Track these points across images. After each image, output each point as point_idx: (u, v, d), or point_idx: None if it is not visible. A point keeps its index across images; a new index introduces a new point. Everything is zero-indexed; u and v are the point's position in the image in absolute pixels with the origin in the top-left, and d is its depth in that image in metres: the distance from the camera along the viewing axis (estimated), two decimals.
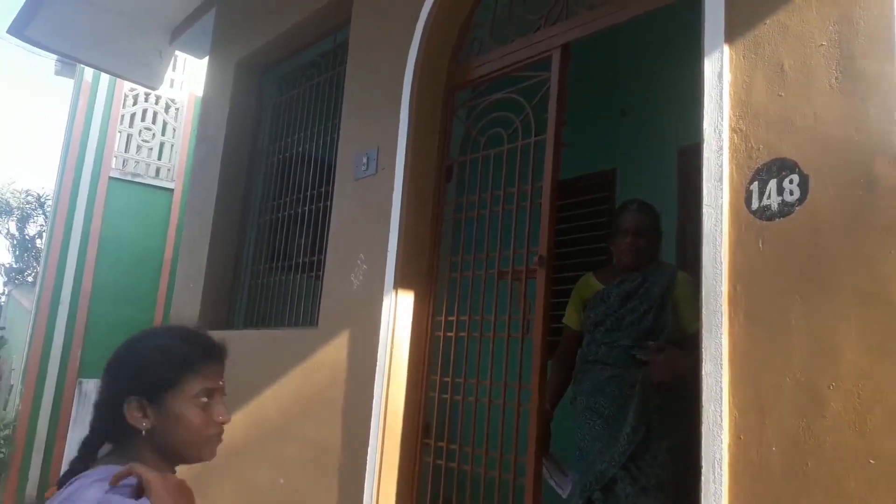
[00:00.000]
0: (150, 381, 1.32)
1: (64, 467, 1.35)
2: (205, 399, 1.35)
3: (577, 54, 3.01)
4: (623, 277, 2.87)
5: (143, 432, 1.30)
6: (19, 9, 4.89)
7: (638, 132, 4.51)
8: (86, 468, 1.29)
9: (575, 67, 2.87)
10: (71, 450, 5.94)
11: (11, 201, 11.43)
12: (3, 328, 9.32)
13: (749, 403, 1.81)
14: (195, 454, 1.36)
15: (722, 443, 1.83)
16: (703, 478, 1.85)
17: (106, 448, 1.35)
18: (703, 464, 1.85)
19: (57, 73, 9.71)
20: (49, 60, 10.10)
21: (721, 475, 1.82)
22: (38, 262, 9.82)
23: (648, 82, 4.46)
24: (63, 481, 1.29)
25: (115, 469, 1.22)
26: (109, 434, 1.34)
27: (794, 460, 1.70)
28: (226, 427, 1.39)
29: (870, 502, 1.56)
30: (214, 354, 1.40)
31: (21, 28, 5.08)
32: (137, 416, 1.30)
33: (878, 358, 1.60)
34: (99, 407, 1.35)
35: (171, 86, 8.02)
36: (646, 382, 2.65)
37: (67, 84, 8.49)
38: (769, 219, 1.85)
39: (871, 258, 1.64)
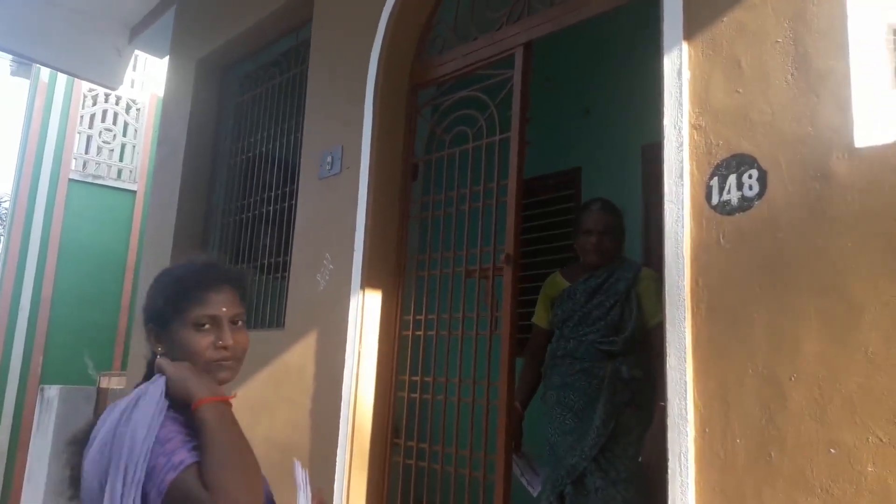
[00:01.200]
0: (158, 309, 1.45)
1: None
2: (206, 325, 1.43)
3: (541, 53, 3.03)
4: (589, 274, 2.88)
5: (159, 354, 1.44)
6: None
7: (602, 131, 4.55)
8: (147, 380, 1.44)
9: (539, 67, 2.89)
10: (34, 457, 5.81)
11: None
12: None
13: (713, 396, 1.83)
14: (206, 374, 1.43)
15: (687, 435, 1.86)
16: (669, 470, 1.87)
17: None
18: (670, 456, 1.88)
19: (13, 73, 9.46)
20: (3, 60, 9.85)
21: (687, 467, 1.84)
22: None
23: (612, 81, 4.50)
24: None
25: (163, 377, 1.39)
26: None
27: (758, 451, 1.73)
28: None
29: (831, 490, 1.60)
30: (219, 284, 1.47)
31: None
32: (153, 342, 1.46)
33: (836, 349, 1.63)
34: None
35: (132, 86, 7.88)
36: (614, 376, 2.67)
37: (24, 85, 8.26)
38: (729, 213, 1.88)
39: (827, 251, 1.67)
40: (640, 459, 2.55)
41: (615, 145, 4.48)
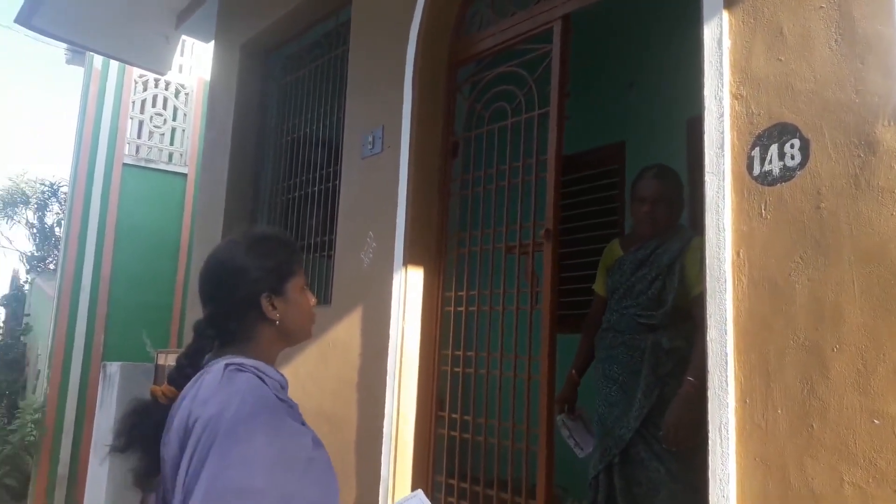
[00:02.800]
0: (278, 274, 1.51)
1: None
2: (306, 286, 1.57)
3: (583, 27, 3.00)
4: (639, 245, 2.86)
5: (277, 322, 1.48)
6: None
7: (646, 104, 4.48)
8: (196, 370, 1.44)
9: (582, 40, 2.86)
10: (98, 431, 6.08)
11: (27, 191, 11.61)
12: (27, 315, 9.49)
13: (753, 367, 1.83)
14: (304, 335, 1.57)
15: (728, 407, 1.86)
16: (710, 441, 1.88)
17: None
18: (710, 428, 1.88)
19: (68, 61, 9.76)
20: (60, 49, 10.16)
21: (728, 438, 1.85)
22: (58, 250, 9.96)
23: (656, 53, 4.42)
24: (177, 382, 1.44)
25: (239, 357, 1.42)
26: (225, 335, 1.50)
27: (800, 422, 1.72)
28: None
29: (875, 462, 1.58)
30: (299, 249, 1.64)
31: (28, 17, 5.12)
32: (271, 309, 1.48)
33: (879, 318, 1.61)
34: (213, 318, 1.50)
35: (180, 71, 8.05)
36: (655, 348, 2.66)
37: (79, 72, 8.52)
38: (771, 184, 1.86)
39: (870, 220, 1.64)
40: (661, 433, 2.55)
41: (660, 119, 4.41)
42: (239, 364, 1.40)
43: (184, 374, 1.46)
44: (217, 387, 1.34)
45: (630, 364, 2.72)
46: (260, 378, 1.42)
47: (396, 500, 1.80)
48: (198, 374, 1.42)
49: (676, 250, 2.74)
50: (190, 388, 1.39)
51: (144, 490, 1.49)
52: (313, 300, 1.59)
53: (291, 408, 1.47)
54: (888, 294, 1.60)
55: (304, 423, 1.46)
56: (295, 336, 1.56)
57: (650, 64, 4.49)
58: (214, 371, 1.38)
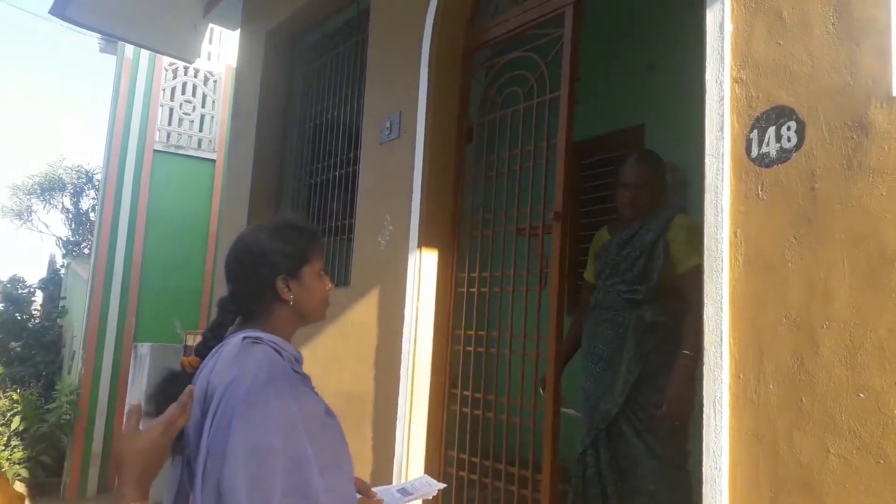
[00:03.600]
0: (295, 260, 1.62)
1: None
2: (323, 272, 1.68)
3: (601, 9, 3.03)
4: (625, 227, 2.93)
5: (291, 303, 1.59)
6: None
7: (666, 86, 4.49)
8: (219, 342, 1.56)
9: (600, 23, 2.89)
10: None
11: (64, 177, 11.93)
12: (63, 298, 9.78)
13: (748, 343, 1.88)
14: (317, 317, 1.68)
15: (723, 382, 1.92)
16: (704, 415, 1.94)
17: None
18: (705, 402, 1.94)
19: (102, 50, 9.98)
20: (93, 38, 10.39)
21: (722, 412, 1.91)
22: (92, 235, 10.23)
23: (675, 35, 4.42)
24: (202, 353, 1.57)
25: (256, 331, 1.53)
26: (246, 312, 1.63)
27: (790, 396, 1.77)
28: None
29: (859, 433, 1.64)
30: (320, 236, 1.73)
31: (62, 8, 5.28)
32: (286, 291, 1.59)
33: (867, 296, 1.65)
34: (235, 294, 1.63)
35: (209, 58, 8.20)
36: (639, 323, 2.71)
37: (112, 61, 8.73)
38: (768, 165, 1.90)
39: (862, 201, 1.68)
40: (662, 408, 2.59)
41: (679, 101, 4.42)
42: (256, 337, 1.51)
43: (208, 346, 1.58)
44: (235, 357, 1.45)
45: (615, 340, 2.77)
46: (276, 350, 1.53)
47: (403, 481, 1.91)
48: (220, 345, 1.54)
49: (659, 228, 2.79)
50: (210, 358, 1.50)
51: (172, 453, 1.61)
52: (329, 285, 1.70)
53: (305, 379, 1.58)
54: (876, 273, 1.64)
55: (315, 394, 1.57)
56: (308, 317, 1.67)
57: (669, 46, 4.49)
58: (233, 343, 1.49)
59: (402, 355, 3.10)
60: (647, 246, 2.78)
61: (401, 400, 3.07)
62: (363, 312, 3.42)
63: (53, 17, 5.48)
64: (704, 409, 1.94)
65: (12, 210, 12.87)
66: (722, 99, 2.02)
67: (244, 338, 1.50)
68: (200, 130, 8.10)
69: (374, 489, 1.70)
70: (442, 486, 1.81)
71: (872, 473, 1.59)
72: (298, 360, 1.61)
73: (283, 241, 1.63)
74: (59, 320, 9.45)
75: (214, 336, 1.61)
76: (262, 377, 1.44)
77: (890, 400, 1.58)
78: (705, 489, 1.88)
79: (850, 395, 1.65)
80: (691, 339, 2.51)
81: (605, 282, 2.89)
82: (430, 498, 1.82)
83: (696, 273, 2.49)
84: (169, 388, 1.58)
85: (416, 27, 3.32)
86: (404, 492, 1.71)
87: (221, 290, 4.99)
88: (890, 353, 1.59)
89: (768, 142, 1.91)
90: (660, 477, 2.56)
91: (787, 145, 1.87)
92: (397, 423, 3.06)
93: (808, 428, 1.72)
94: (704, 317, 1.97)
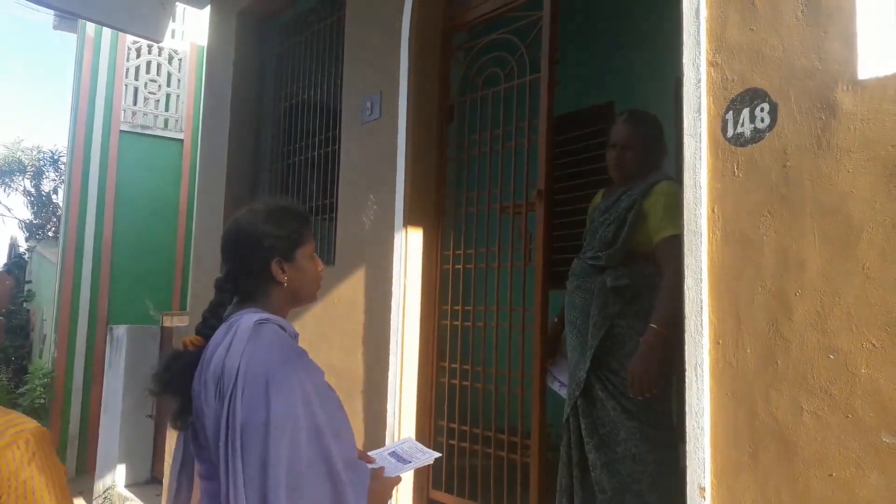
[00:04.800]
0: (288, 243, 1.70)
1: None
2: (315, 253, 1.76)
3: None
4: (610, 192, 2.86)
5: (285, 284, 1.68)
6: None
7: (635, 64, 4.61)
8: (220, 322, 1.65)
9: (572, 2, 2.98)
10: (108, 391, 6.31)
11: (24, 159, 11.67)
12: (29, 282, 9.64)
13: (726, 312, 2.02)
14: (310, 297, 1.78)
15: (703, 348, 2.05)
16: (686, 379, 2.08)
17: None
18: (687, 367, 2.08)
19: (55, 27, 9.72)
20: (46, 15, 10.11)
21: (703, 376, 2.05)
22: (56, 217, 10.07)
23: (644, 14, 4.54)
24: (205, 333, 1.65)
25: (259, 312, 1.62)
26: (242, 292, 1.71)
27: (766, 359, 1.92)
28: None
29: (829, 391, 1.79)
30: (311, 219, 1.81)
31: None
32: (280, 273, 1.67)
33: (836, 265, 1.79)
34: (231, 276, 1.72)
35: (173, 36, 8.09)
36: (601, 289, 2.66)
37: (67, 38, 8.54)
38: (742, 145, 2.03)
39: (830, 177, 1.82)
40: (615, 376, 2.59)
41: (648, 78, 4.55)
42: (264, 318, 1.60)
43: (208, 324, 1.67)
44: (247, 337, 1.54)
45: (583, 307, 2.71)
46: (282, 328, 1.62)
47: (387, 445, 2.01)
48: (226, 326, 1.62)
49: (637, 194, 2.69)
50: (222, 338, 1.58)
51: (178, 429, 1.69)
52: (321, 266, 1.79)
53: (305, 352, 1.68)
54: (844, 243, 1.78)
55: (317, 366, 1.67)
56: (302, 298, 1.77)
57: (637, 25, 4.61)
58: (244, 325, 1.57)
59: (391, 331, 3.20)
60: (623, 212, 2.69)
61: (391, 374, 3.18)
62: (349, 290, 3.51)
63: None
64: (686, 373, 2.07)
65: None
66: (699, 82, 2.14)
67: (256, 320, 1.59)
68: (166, 110, 8.02)
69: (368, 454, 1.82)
70: (437, 454, 1.87)
71: (842, 427, 1.74)
72: (295, 337, 1.71)
73: (276, 224, 1.70)
74: (25, 304, 9.34)
75: (214, 315, 1.69)
76: (277, 356, 1.54)
77: (858, 360, 1.73)
78: (689, 447, 2.03)
79: (821, 356, 1.80)
80: (662, 310, 2.51)
81: (584, 249, 2.83)
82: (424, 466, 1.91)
83: (671, 243, 2.51)
84: (173, 365, 1.66)
85: (395, 8, 3.36)
86: (396, 456, 1.81)
87: (195, 270, 4.98)
88: (857, 318, 1.74)
89: (743, 122, 2.04)
90: (640, 438, 2.56)
91: (760, 126, 1.99)
92: (388, 395, 3.16)
93: (783, 388, 1.87)
94: (685, 287, 2.11)
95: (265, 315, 1.61)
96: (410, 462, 1.80)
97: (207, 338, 1.62)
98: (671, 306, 2.45)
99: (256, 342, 1.54)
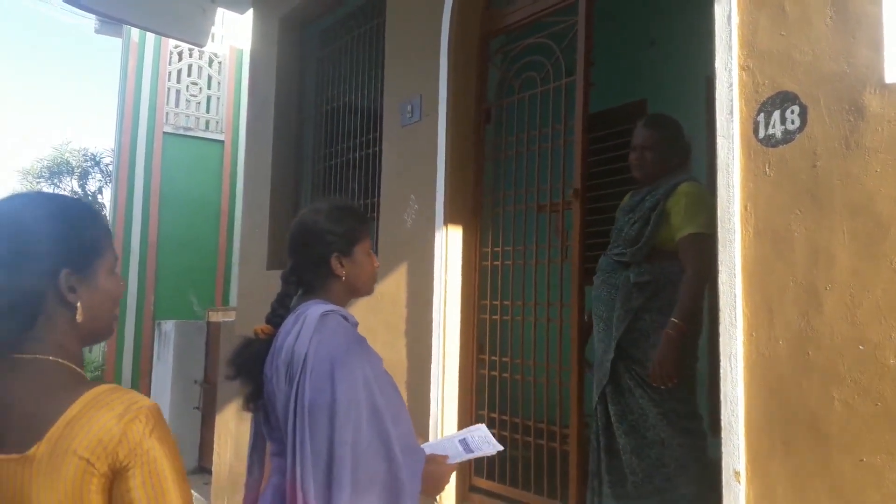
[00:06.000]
0: (347, 240, 1.85)
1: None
2: (371, 250, 1.90)
3: None
4: (635, 192, 3.00)
5: (343, 278, 1.82)
6: None
7: (667, 62, 4.68)
8: (287, 312, 1.80)
9: (604, 1, 3.07)
10: (157, 383, 6.57)
11: (71, 161, 12.08)
12: None
13: (759, 305, 2.12)
14: (366, 290, 1.92)
15: (737, 340, 2.15)
16: (721, 370, 2.18)
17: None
18: (722, 358, 2.18)
19: (97, 31, 10.03)
20: (87, 20, 10.43)
21: (737, 367, 2.14)
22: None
23: (676, 12, 4.60)
24: (273, 321, 1.80)
25: (324, 303, 1.77)
26: (306, 284, 1.85)
27: (797, 350, 2.01)
28: None
29: (860, 381, 1.88)
30: (369, 218, 1.97)
31: None
32: (339, 267, 1.82)
33: (865, 261, 1.88)
34: (296, 269, 1.86)
35: (213, 40, 8.31)
36: (624, 284, 2.80)
37: (108, 42, 8.83)
38: (774, 146, 2.12)
39: (858, 177, 1.90)
40: (639, 367, 2.72)
41: (680, 76, 4.61)
42: (329, 309, 1.74)
43: (277, 314, 1.83)
44: (314, 327, 1.69)
45: (609, 301, 2.85)
46: (345, 318, 1.77)
47: (460, 430, 2.10)
48: (294, 316, 1.77)
49: (661, 195, 2.82)
50: (291, 327, 1.74)
51: (250, 410, 1.85)
52: (377, 262, 1.93)
53: (365, 340, 1.82)
54: (872, 240, 1.87)
55: (376, 353, 1.82)
56: (358, 291, 1.92)
57: (669, 23, 4.67)
58: (311, 315, 1.73)
59: (433, 325, 3.34)
60: (646, 211, 2.83)
61: (433, 365, 3.32)
62: (392, 285, 3.65)
63: (66, 5, 5.60)
64: (721, 364, 2.17)
65: None
66: (731, 85, 2.23)
67: (322, 312, 1.74)
68: (207, 112, 8.25)
69: (437, 440, 1.95)
70: (500, 447, 1.97)
71: (872, 414, 1.83)
72: (355, 326, 1.86)
73: (336, 222, 1.86)
74: None
75: (282, 305, 1.85)
76: (342, 344, 1.69)
77: (886, 350, 1.82)
78: (723, 434, 2.13)
79: (851, 347, 1.89)
80: (683, 305, 2.64)
81: (609, 246, 2.97)
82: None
83: (691, 241, 2.68)
84: (245, 352, 1.82)
85: (435, 13, 3.49)
86: (465, 443, 1.93)
87: (246, 267, 5.14)
88: (886, 310, 1.83)
89: (774, 124, 2.13)
90: (667, 424, 2.68)
91: (790, 127, 2.08)
92: (431, 386, 3.31)
93: (814, 377, 1.96)
94: (719, 282, 2.20)
95: (330, 307, 1.76)
96: (473, 452, 1.91)
97: (276, 326, 1.78)
98: (692, 301, 2.64)
99: (322, 331, 1.69)
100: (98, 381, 1.16)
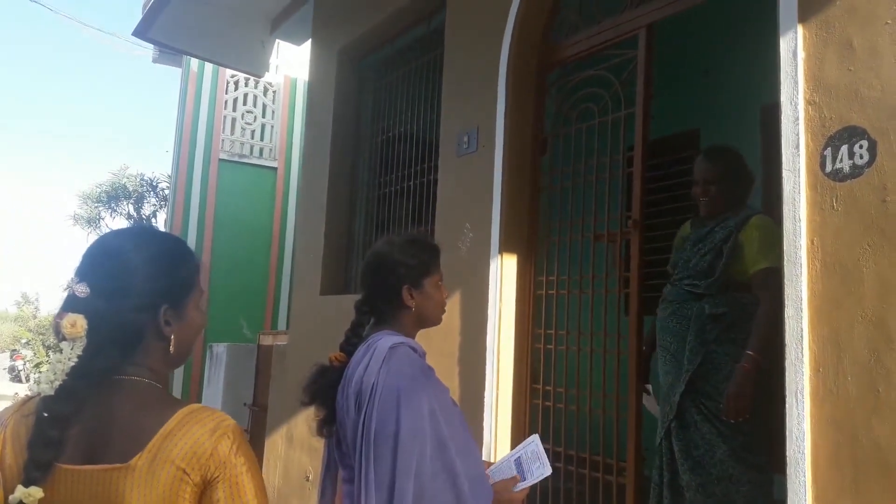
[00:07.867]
0: (418, 272, 1.90)
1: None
2: (441, 282, 1.97)
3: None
4: (704, 223, 3.00)
5: (412, 308, 1.88)
6: (144, 13, 5.45)
7: (721, 92, 4.67)
8: (360, 341, 1.86)
9: (658, 29, 3.10)
10: (207, 404, 6.68)
11: (128, 185, 12.50)
12: None
13: (826, 340, 2.09)
14: (435, 321, 2.00)
15: (803, 375, 2.13)
16: (787, 405, 2.15)
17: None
18: (787, 394, 2.15)
19: (154, 60, 10.43)
20: (147, 49, 10.85)
21: (803, 402, 2.12)
22: None
23: (730, 41, 4.61)
24: (348, 350, 1.86)
25: (394, 335, 1.83)
26: (378, 314, 1.91)
27: (867, 386, 1.98)
28: None
29: None
30: (440, 251, 2.01)
31: (145, 31, 5.66)
32: (409, 298, 1.87)
33: None
34: (368, 299, 1.92)
35: (268, 70, 8.57)
36: (699, 316, 2.79)
37: (165, 71, 9.19)
38: (841, 180, 2.11)
39: None
40: (710, 401, 2.69)
41: (734, 106, 4.60)
42: (399, 342, 1.79)
43: (350, 342, 1.90)
44: (384, 358, 1.73)
45: (679, 332, 2.83)
46: (413, 349, 1.81)
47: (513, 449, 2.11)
48: (366, 346, 1.82)
49: (732, 227, 2.83)
50: (362, 357, 1.78)
51: (324, 436, 1.90)
52: (446, 294, 1.99)
53: (432, 370, 1.86)
54: None
55: (443, 384, 1.85)
56: (427, 321, 1.98)
57: (724, 52, 4.67)
58: (381, 346, 1.78)
59: (487, 352, 3.36)
60: (718, 244, 2.84)
61: (487, 392, 3.33)
62: (446, 314, 3.67)
63: (103, 28, 5.87)
64: (787, 399, 2.15)
65: (83, 218, 13.61)
66: (797, 119, 2.23)
67: (391, 345, 1.78)
68: (261, 139, 8.48)
69: (495, 465, 1.96)
70: (549, 469, 1.95)
71: None
72: (423, 356, 1.90)
73: (409, 254, 1.92)
74: None
75: (355, 334, 1.91)
76: (409, 375, 1.73)
77: None
78: (789, 471, 2.10)
79: None
80: (758, 337, 2.62)
81: (676, 276, 2.98)
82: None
83: (766, 275, 2.67)
84: (320, 379, 1.88)
85: (493, 46, 3.56)
86: (518, 464, 1.94)
87: (300, 291, 5.22)
88: None
89: (841, 158, 2.12)
90: (735, 460, 2.65)
91: (859, 162, 2.07)
92: (484, 414, 3.32)
93: (885, 415, 1.93)
94: (785, 317, 2.19)
95: (400, 339, 1.81)
96: (527, 478, 1.92)
97: (349, 353, 1.83)
98: (767, 334, 2.60)
99: (390, 363, 1.74)
100: (186, 400, 1.24)
